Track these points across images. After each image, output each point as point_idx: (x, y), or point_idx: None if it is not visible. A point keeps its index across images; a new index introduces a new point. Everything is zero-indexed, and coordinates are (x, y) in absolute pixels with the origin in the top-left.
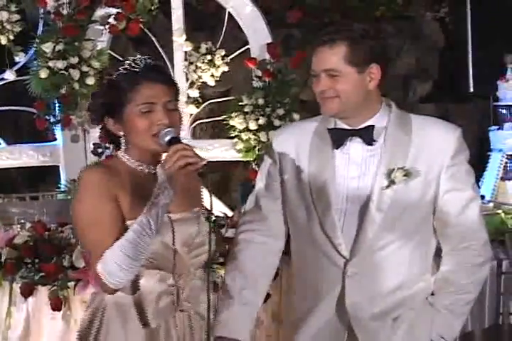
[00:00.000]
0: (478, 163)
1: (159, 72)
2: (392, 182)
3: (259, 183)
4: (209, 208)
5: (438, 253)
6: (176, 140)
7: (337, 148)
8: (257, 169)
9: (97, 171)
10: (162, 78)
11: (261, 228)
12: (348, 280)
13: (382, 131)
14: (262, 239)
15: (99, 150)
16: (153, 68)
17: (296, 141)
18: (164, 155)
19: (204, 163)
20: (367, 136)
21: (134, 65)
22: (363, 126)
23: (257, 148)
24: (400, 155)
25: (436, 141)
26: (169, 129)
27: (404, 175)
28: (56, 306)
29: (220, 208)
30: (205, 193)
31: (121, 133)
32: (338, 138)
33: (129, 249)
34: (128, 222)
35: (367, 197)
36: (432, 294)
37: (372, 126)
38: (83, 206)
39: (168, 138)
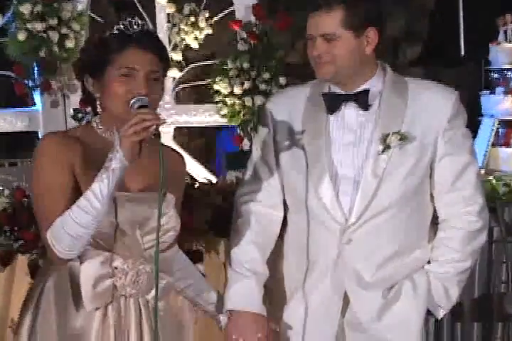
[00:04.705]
0: (469, 128)
1: (152, 40)
2: (387, 147)
3: (256, 152)
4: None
5: (435, 220)
6: (143, 106)
7: (331, 114)
8: (242, 134)
9: (55, 138)
10: (153, 46)
11: (261, 198)
12: (344, 247)
13: (378, 95)
14: (264, 210)
15: (80, 116)
16: (147, 35)
17: (289, 107)
18: None
19: (161, 121)
20: (362, 100)
21: (128, 27)
22: (357, 90)
23: (242, 112)
24: (396, 120)
25: (432, 105)
26: (141, 97)
27: (400, 140)
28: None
29: (204, 174)
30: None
31: (98, 96)
32: (333, 103)
33: (79, 215)
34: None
35: (362, 162)
36: (429, 262)
37: (368, 91)
38: (38, 173)
39: (137, 105)
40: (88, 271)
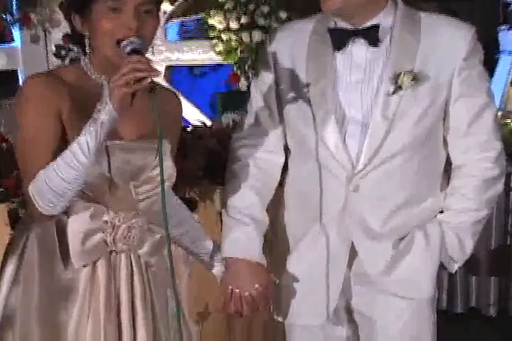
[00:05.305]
0: (486, 67)
1: None
2: (398, 88)
3: (255, 95)
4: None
5: (448, 167)
6: (136, 52)
7: (338, 50)
8: (238, 72)
9: (42, 81)
10: None
11: (261, 143)
12: (351, 195)
13: (388, 30)
14: (262, 155)
15: (62, 53)
16: None
17: (292, 43)
18: None
19: (155, 73)
20: (371, 36)
21: None
22: (366, 25)
23: (238, 49)
24: (408, 58)
25: (447, 42)
26: (134, 39)
27: (412, 80)
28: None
29: (198, 117)
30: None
31: (87, 35)
32: (340, 39)
33: (64, 169)
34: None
35: (371, 103)
36: (442, 212)
37: (377, 26)
38: (21, 120)
39: (128, 48)
40: (77, 225)
